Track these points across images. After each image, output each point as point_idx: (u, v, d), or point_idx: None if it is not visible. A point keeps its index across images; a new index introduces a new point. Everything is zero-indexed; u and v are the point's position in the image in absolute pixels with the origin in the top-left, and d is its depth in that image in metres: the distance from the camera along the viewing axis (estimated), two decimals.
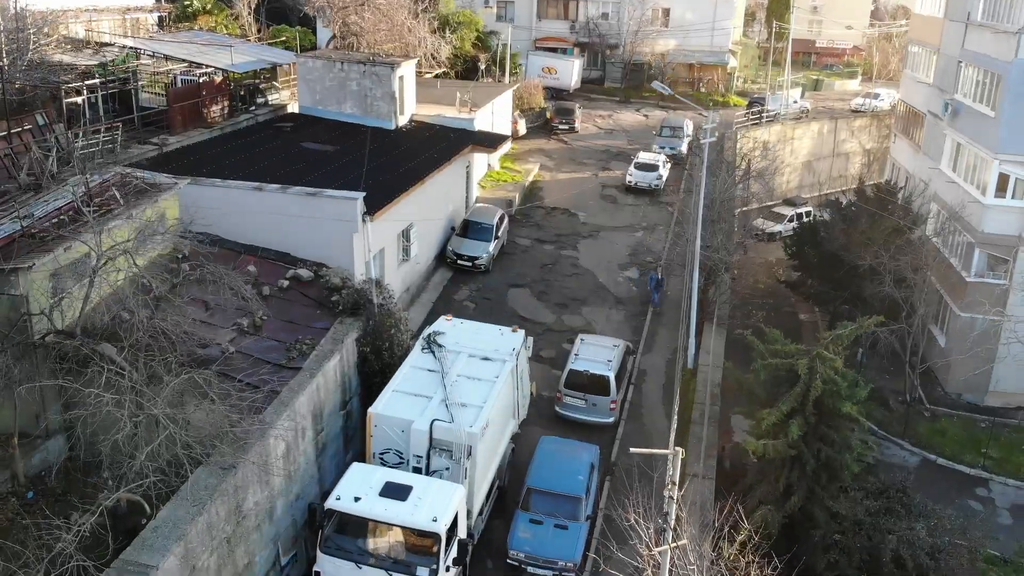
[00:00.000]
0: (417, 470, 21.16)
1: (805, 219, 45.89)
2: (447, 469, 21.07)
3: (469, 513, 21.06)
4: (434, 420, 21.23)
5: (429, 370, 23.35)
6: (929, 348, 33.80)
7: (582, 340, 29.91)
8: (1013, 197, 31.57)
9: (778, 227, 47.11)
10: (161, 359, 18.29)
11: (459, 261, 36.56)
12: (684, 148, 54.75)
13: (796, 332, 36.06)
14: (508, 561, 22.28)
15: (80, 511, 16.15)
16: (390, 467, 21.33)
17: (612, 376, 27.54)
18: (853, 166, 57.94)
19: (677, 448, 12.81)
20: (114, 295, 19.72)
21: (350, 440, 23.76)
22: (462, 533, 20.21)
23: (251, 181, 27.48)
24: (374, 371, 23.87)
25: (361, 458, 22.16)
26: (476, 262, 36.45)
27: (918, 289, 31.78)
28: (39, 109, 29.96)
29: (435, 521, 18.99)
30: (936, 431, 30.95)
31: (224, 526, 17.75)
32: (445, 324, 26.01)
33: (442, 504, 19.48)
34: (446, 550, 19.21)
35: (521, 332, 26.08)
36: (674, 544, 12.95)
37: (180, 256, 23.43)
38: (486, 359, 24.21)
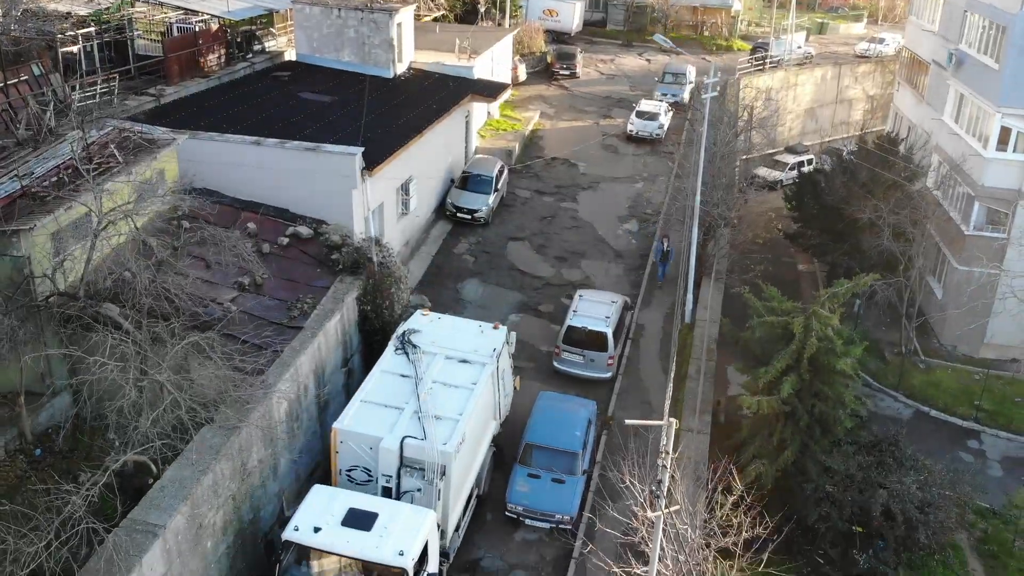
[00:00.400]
0: (387, 490, 19.72)
1: (806, 167, 45.70)
2: (419, 490, 19.56)
3: (443, 533, 19.84)
4: (405, 437, 19.64)
5: (402, 375, 21.76)
6: (926, 301, 34.04)
7: (580, 296, 30.10)
8: (1014, 151, 31.44)
9: (779, 175, 46.94)
10: (165, 325, 18.49)
11: (458, 214, 36.57)
12: (686, 95, 54.23)
13: (794, 284, 36.29)
14: (507, 513, 22.82)
15: (87, 471, 16.51)
16: (358, 484, 20.01)
17: (610, 332, 27.81)
18: (856, 113, 57.45)
19: (671, 419, 13.08)
20: (115, 257, 19.86)
21: (351, 396, 24.08)
22: (432, 566, 18.67)
23: (249, 135, 27.37)
24: (375, 329, 24.13)
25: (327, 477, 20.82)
26: (475, 215, 36.47)
27: (916, 242, 31.88)
28: (35, 60, 29.69)
29: (402, 555, 17.39)
30: (930, 383, 31.31)
31: (229, 484, 18.17)
32: (421, 320, 24.24)
33: (410, 534, 17.88)
34: None
35: (503, 329, 24.46)
36: (667, 510, 13.30)
37: (180, 215, 23.47)
38: (464, 361, 22.63)
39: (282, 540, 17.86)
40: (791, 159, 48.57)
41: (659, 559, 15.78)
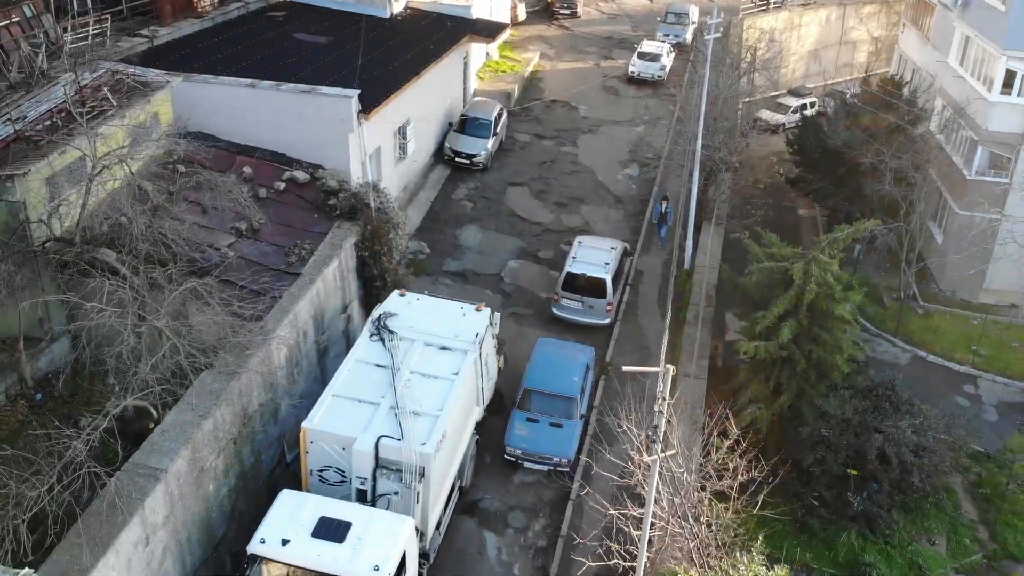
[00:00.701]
0: (362, 492, 18.45)
1: (809, 110, 45.20)
2: (396, 493, 18.28)
3: (423, 535, 18.74)
4: (380, 437, 18.28)
5: (377, 365, 20.25)
6: (926, 246, 33.95)
7: (580, 242, 30.00)
8: (1019, 94, 31.03)
9: (782, 119, 46.44)
10: (162, 270, 18.44)
11: (457, 158, 36.24)
12: (689, 36, 53.38)
13: (794, 229, 36.15)
14: (505, 457, 23.08)
15: (88, 416, 16.63)
16: (331, 485, 18.74)
17: (609, 279, 27.77)
18: (860, 55, 56.51)
19: (668, 366, 13.13)
20: (111, 202, 19.74)
21: (351, 342, 24.16)
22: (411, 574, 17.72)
23: (244, 77, 26.98)
24: (373, 275, 24.08)
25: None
26: (474, 159, 36.14)
27: (918, 187, 31.67)
28: (26, 0, 29.11)
29: (377, 570, 16.11)
30: (928, 328, 31.39)
31: (230, 428, 18.32)
32: (398, 301, 22.61)
33: (387, 546, 16.63)
34: None
35: (486, 311, 22.89)
36: (663, 454, 13.43)
37: (175, 159, 23.26)
38: (445, 348, 21.13)
39: (247, 553, 16.53)
40: (794, 102, 48.00)
41: (655, 501, 15.99)
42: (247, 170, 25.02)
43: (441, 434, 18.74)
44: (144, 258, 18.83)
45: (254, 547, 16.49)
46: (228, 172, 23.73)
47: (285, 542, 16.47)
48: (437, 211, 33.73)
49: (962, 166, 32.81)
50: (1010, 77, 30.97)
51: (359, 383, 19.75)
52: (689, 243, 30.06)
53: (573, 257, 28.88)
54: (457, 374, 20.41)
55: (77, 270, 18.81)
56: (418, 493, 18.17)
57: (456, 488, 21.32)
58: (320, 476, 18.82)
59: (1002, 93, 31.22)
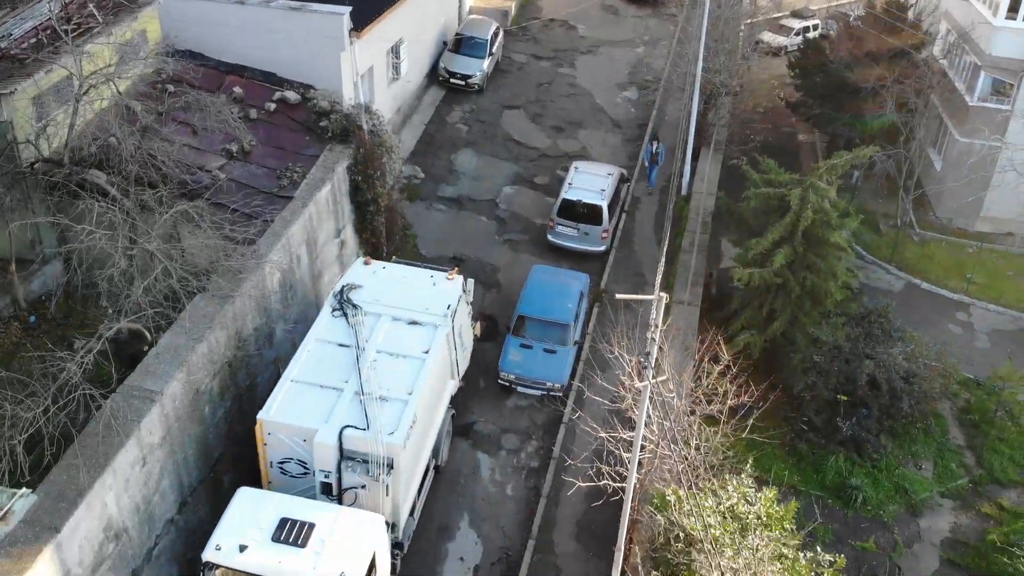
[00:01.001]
0: (327, 486, 17.19)
1: (812, 33, 44.34)
2: (363, 487, 17.02)
3: (394, 527, 17.73)
4: (344, 428, 16.88)
5: (340, 344, 18.74)
6: (925, 173, 33.69)
7: (576, 168, 29.70)
8: None
9: (784, 41, 45.57)
10: (153, 192, 18.25)
11: (451, 79, 35.60)
12: None
13: (793, 154, 35.79)
14: (499, 381, 23.29)
15: (82, 339, 16.65)
16: (293, 477, 17.50)
17: (605, 205, 27.59)
18: None
19: (662, 293, 13.11)
20: (99, 122, 19.42)
21: (345, 267, 24.09)
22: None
23: None
24: (366, 200, 23.86)
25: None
26: (469, 80, 35.52)
27: (919, 113, 31.25)
28: None
29: None
30: (923, 256, 31.37)
31: (224, 352, 18.39)
32: (362, 271, 20.88)
33: (354, 549, 15.57)
34: None
35: (458, 279, 21.23)
36: (655, 380, 13.54)
37: (164, 78, 22.81)
38: (414, 323, 19.53)
39: (202, 561, 15.40)
40: (796, 24, 46.99)
41: (645, 425, 16.16)
42: (237, 90, 24.57)
43: (411, 421, 17.34)
44: (134, 180, 18.62)
45: (209, 554, 15.34)
46: (218, 92, 23.32)
47: (242, 548, 15.29)
48: (431, 134, 33.31)
49: (964, 92, 32.33)
50: (1015, 1, 30.24)
51: (320, 366, 18.23)
52: (687, 169, 29.78)
53: (569, 183, 28.63)
54: (428, 352, 18.83)
55: (67, 192, 18.61)
56: (387, 486, 16.91)
57: (431, 468, 20.27)
58: (281, 468, 17.53)
59: (1007, 17, 30.54)
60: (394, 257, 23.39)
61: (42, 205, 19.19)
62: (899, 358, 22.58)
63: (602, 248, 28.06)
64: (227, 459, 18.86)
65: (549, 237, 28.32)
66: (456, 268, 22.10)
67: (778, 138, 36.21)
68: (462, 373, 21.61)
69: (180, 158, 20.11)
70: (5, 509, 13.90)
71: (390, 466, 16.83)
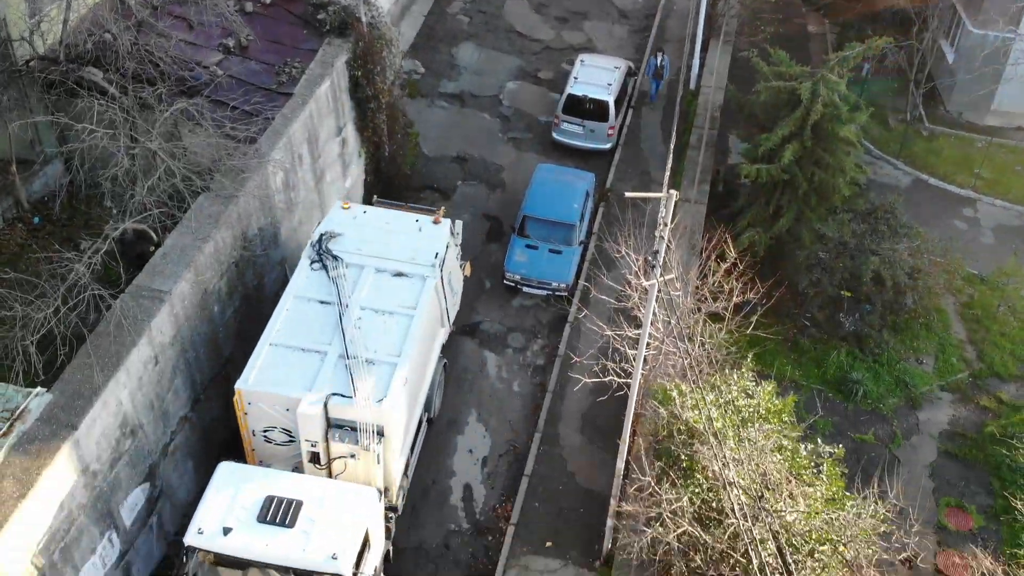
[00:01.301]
0: (314, 455, 16.09)
1: None
2: (352, 456, 15.96)
3: (387, 491, 16.77)
4: (329, 396, 15.74)
5: (321, 302, 17.42)
6: (936, 66, 32.95)
7: (582, 61, 29.01)
8: None
9: None
10: (151, 90, 17.92)
11: None
12: None
13: (804, 46, 34.90)
14: (505, 282, 23.36)
15: (88, 239, 16.65)
16: (278, 445, 16.55)
17: (611, 101, 27.07)
18: None
19: (671, 191, 12.99)
20: (93, 17, 18.93)
21: (347, 167, 23.86)
22: (375, 555, 15.69)
23: None
24: (367, 96, 23.39)
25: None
26: None
27: (932, 2, 30.37)
28: None
29: (335, 559, 14.21)
30: (932, 151, 30.97)
31: (231, 252, 18.39)
32: (342, 216, 19.27)
33: (345, 526, 14.65)
34: None
35: (446, 221, 19.65)
36: (662, 278, 13.55)
37: None
38: (400, 275, 18.17)
39: (184, 546, 14.51)
40: None
41: (650, 323, 16.26)
42: None
43: (400, 385, 16.28)
44: (132, 77, 18.26)
45: (191, 538, 14.43)
46: None
47: (227, 531, 14.35)
48: (431, 26, 32.47)
49: None
50: None
51: (301, 326, 16.96)
52: (696, 62, 29.08)
53: (575, 78, 28.04)
54: (416, 307, 17.59)
55: (64, 90, 18.29)
56: (378, 455, 15.83)
57: (423, 422, 19.27)
58: (265, 436, 16.58)
59: None
60: (375, 198, 22.15)
61: (40, 104, 18.88)
62: (905, 253, 22.58)
63: (608, 146, 27.68)
64: (237, 358, 19.10)
65: (554, 135, 27.91)
66: (442, 209, 20.84)
67: (788, 29, 35.21)
68: (453, 319, 20.62)
69: (177, 54, 19.69)
70: (21, 408, 14.16)
71: (380, 434, 15.82)
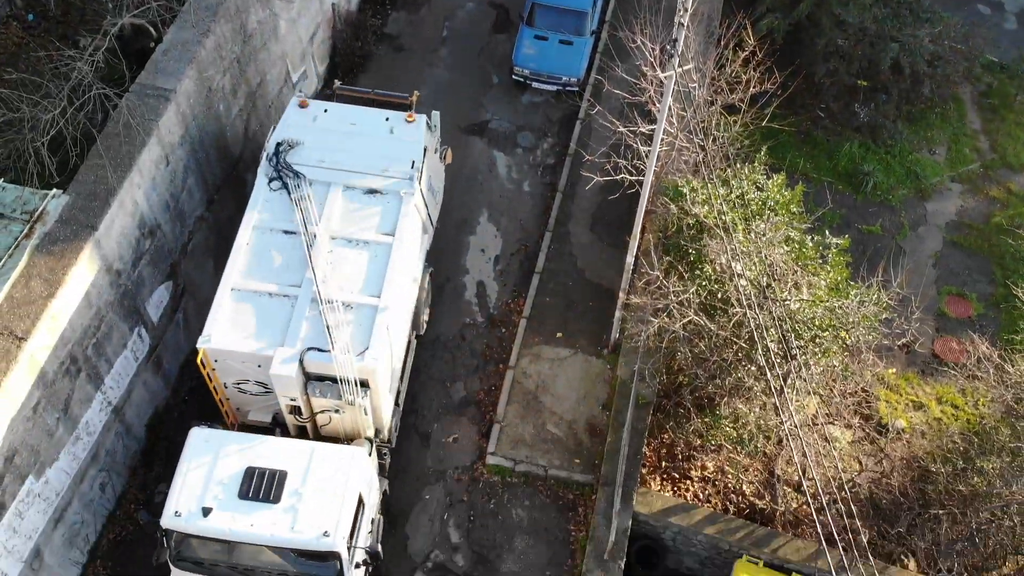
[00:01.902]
0: (295, 408, 14.52)
1: None
2: (336, 411, 14.44)
3: (378, 432, 15.38)
4: (305, 351, 13.89)
5: (285, 231, 15.13)
6: None
7: None
8: None
9: None
10: None
11: None
12: None
13: None
14: (513, 77, 22.78)
15: (87, 36, 16.15)
16: (254, 396, 14.84)
17: None
18: None
19: None
20: None
21: None
22: (368, 519, 14.28)
23: None
24: None
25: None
26: None
27: None
28: None
29: (327, 535, 13.01)
30: None
31: (232, 47, 17.88)
32: (299, 118, 16.61)
33: (334, 495, 13.31)
34: (352, 560, 13.55)
35: (421, 119, 16.91)
36: (680, 69, 13.16)
37: None
38: (373, 191, 15.72)
39: (161, 528, 13.27)
40: None
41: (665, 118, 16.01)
42: None
43: (384, 331, 14.44)
44: None
45: (168, 520, 13.14)
46: None
47: (206, 512, 13.06)
48: None
49: None
50: None
51: (264, 265, 14.79)
52: None
53: None
54: (394, 232, 15.29)
55: None
56: (364, 407, 14.26)
57: (412, 343, 17.55)
58: (238, 388, 14.87)
59: None
60: (336, 83, 19.31)
61: None
62: (925, 40, 21.87)
63: None
64: (247, 159, 19.04)
65: None
66: (416, 95, 17.97)
67: None
68: (436, 219, 18.47)
69: None
70: (40, 209, 14.28)
71: (365, 386, 14.19)
